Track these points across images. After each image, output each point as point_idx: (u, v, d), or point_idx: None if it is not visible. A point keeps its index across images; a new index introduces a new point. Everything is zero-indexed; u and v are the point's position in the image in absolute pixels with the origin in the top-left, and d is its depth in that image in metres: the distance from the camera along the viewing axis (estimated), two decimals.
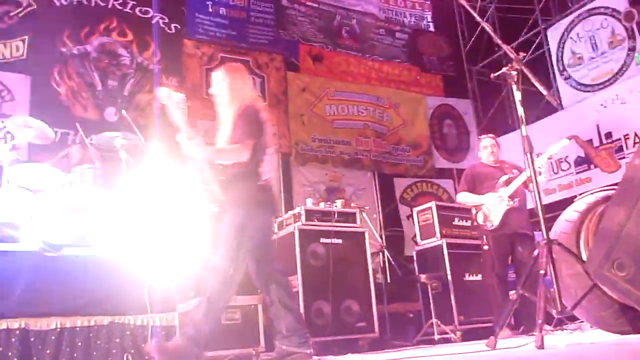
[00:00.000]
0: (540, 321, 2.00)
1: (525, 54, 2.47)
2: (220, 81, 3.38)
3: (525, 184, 4.80)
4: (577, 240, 2.33)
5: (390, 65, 9.94)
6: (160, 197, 5.38)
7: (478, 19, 2.90)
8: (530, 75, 2.51)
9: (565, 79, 8.93)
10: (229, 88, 3.33)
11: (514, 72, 2.53)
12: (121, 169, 5.45)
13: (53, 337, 4.14)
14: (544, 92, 2.47)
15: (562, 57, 9.02)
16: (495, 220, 4.83)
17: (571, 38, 8.89)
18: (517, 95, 2.53)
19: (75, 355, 4.16)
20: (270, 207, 3.30)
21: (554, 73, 9.12)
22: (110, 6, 7.70)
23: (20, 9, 7.10)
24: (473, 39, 10.39)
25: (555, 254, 2.18)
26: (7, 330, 4.02)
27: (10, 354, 3.99)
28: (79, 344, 4.25)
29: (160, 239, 5.29)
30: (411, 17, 10.47)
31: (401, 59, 10.11)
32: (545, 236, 2.12)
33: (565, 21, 9.00)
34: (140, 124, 6.54)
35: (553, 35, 9.21)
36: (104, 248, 4.82)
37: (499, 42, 2.73)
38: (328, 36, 9.45)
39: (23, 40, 7.00)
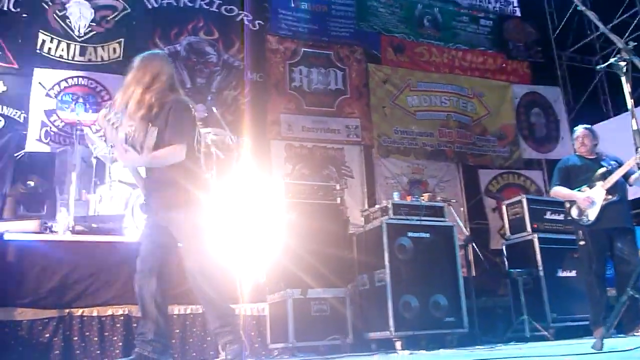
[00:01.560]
0: None
1: (635, 43, 2.30)
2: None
3: (625, 177, 4.54)
4: None
5: (474, 54, 9.67)
6: (248, 193, 5.56)
7: (580, 6, 2.74)
8: (639, 64, 2.36)
9: None
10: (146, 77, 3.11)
11: (623, 63, 2.39)
12: (212, 164, 5.67)
13: None
14: None
15: None
16: (591, 214, 4.60)
17: None
18: (627, 88, 2.39)
19: (173, 341, 4.40)
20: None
21: None
22: (197, 6, 7.99)
23: (116, 13, 7.53)
24: (563, 23, 9.89)
25: None
26: (112, 316, 4.32)
27: (115, 338, 4.28)
28: (177, 330, 4.49)
29: (249, 233, 5.48)
30: (496, 3, 10.11)
31: (486, 47, 9.80)
32: None
33: None
34: (227, 119, 6.75)
35: None
36: None
37: (606, 30, 2.57)
38: (409, 26, 9.33)
39: (119, 43, 7.42)
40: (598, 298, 4.54)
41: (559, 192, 4.86)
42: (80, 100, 7.05)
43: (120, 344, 4.24)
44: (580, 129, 5.04)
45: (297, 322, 4.33)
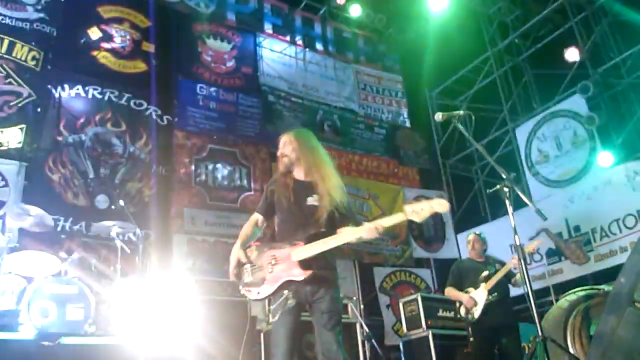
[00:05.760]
0: None
1: (515, 174, 2.81)
2: (288, 143, 3.32)
3: (507, 277, 5.10)
4: (564, 335, 2.60)
5: (369, 158, 10.44)
6: (153, 285, 5.49)
7: (472, 140, 3.27)
8: (520, 193, 2.87)
9: (534, 174, 9.52)
10: (306, 150, 3.27)
11: (506, 189, 2.88)
12: (116, 256, 5.58)
13: None
14: (534, 208, 2.81)
15: (530, 154, 9.66)
16: (476, 313, 5.07)
17: (537, 137, 9.57)
18: (510, 209, 2.87)
19: None
20: None
21: (523, 169, 9.71)
22: (106, 98, 8.06)
23: (20, 99, 7.40)
24: (446, 134, 11.04)
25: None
26: None
27: None
28: None
29: (153, 326, 5.35)
30: (388, 114, 11.13)
31: (380, 152, 10.65)
32: (539, 332, 2.39)
33: (532, 122, 9.73)
34: (130, 211, 6.67)
35: (521, 134, 9.90)
36: (99, 336, 4.86)
37: (493, 163, 3.10)
38: (311, 130, 9.93)
39: (21, 129, 7.25)
40: None
41: (450, 292, 5.35)
42: None
43: None
44: (471, 235, 5.64)
45: None
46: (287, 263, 2.95)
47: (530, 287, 2.74)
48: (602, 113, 8.48)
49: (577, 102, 8.92)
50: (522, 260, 2.88)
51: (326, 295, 2.97)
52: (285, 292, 2.93)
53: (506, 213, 9.41)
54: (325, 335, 2.91)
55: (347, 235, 2.92)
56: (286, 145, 3.27)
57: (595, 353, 1.81)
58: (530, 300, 2.63)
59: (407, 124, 11.26)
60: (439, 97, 11.56)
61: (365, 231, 2.85)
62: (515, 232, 2.90)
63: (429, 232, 10.50)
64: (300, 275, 2.90)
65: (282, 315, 2.94)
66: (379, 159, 10.56)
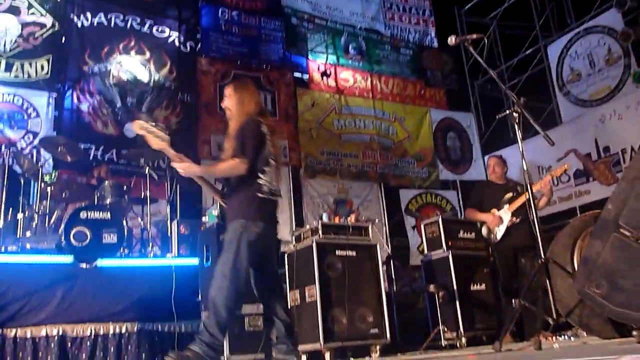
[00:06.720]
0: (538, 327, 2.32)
1: (525, 99, 2.76)
2: (229, 96, 3.46)
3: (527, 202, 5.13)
4: (572, 255, 2.67)
5: (395, 80, 10.29)
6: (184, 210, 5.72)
7: (484, 65, 3.22)
8: (529, 117, 2.84)
9: (565, 94, 9.27)
10: (235, 102, 3.40)
11: (516, 114, 2.86)
12: (146, 183, 5.78)
13: (88, 343, 4.47)
14: (541, 132, 2.80)
15: (561, 73, 9.36)
16: (499, 234, 5.16)
17: (570, 55, 9.23)
18: (519, 134, 2.86)
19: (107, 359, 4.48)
20: (268, 219, 3.28)
21: (553, 88, 9.45)
22: (128, 26, 8.06)
23: (44, 30, 7.46)
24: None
25: (553, 269, 2.51)
26: (46, 336, 4.34)
27: (49, 358, 4.31)
28: (111, 349, 4.57)
29: (183, 247, 5.63)
30: (415, 34, 10.83)
31: (406, 74, 10.46)
32: (542, 256, 2.46)
33: (564, 38, 9.36)
34: None
35: (552, 51, 9.55)
36: (134, 259, 5.15)
37: (503, 86, 3.06)
38: (336, 52, 9.81)
39: (48, 60, 7.35)
40: (504, 309, 5.07)
41: (471, 213, 5.41)
42: (6, 117, 6.93)
43: None
44: (491, 158, 5.62)
45: (232, 337, 4.53)
46: None
47: (536, 213, 2.78)
48: (638, 29, 8.08)
49: (612, 18, 8.51)
50: (529, 186, 2.90)
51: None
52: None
53: (536, 134, 9.29)
54: None
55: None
56: (226, 98, 3.46)
57: (582, 276, 1.88)
58: (535, 225, 2.68)
59: (435, 44, 10.95)
60: (467, 14, 11.12)
61: None
62: (523, 157, 2.91)
63: (456, 154, 10.47)
64: None
65: None
66: (405, 80, 10.39)
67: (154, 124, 3.14)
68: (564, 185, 8.89)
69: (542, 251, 2.50)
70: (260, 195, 3.20)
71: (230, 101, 3.44)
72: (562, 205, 8.81)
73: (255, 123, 3.29)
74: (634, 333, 1.83)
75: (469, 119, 10.79)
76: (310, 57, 9.51)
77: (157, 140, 3.11)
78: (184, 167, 3.14)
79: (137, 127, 3.12)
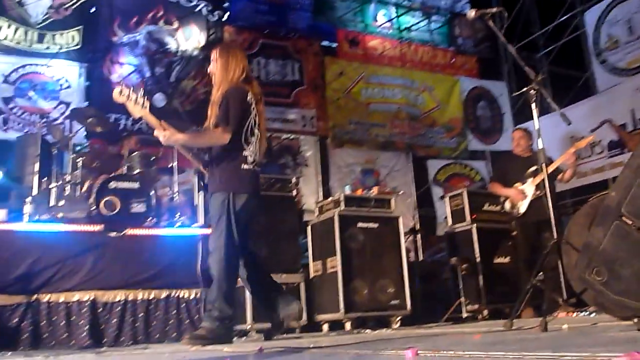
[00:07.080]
0: (545, 307, 2.32)
1: (543, 75, 2.71)
2: (214, 60, 3.32)
3: (555, 173, 5.06)
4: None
5: (425, 48, 10.11)
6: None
7: (502, 38, 3.15)
8: (545, 94, 2.79)
9: (601, 62, 8.96)
10: (220, 67, 3.27)
11: (533, 92, 2.81)
12: (174, 153, 5.89)
13: (118, 309, 4.66)
14: (557, 110, 2.74)
15: (598, 40, 9.04)
16: (522, 207, 5.11)
17: (608, 21, 8.89)
18: (535, 112, 2.81)
19: (137, 325, 4.66)
20: (252, 190, 3.23)
21: (589, 56, 9.15)
22: None
23: (74, 1, 7.56)
24: (509, 20, 10.41)
25: (567, 248, 2.50)
26: (78, 302, 4.54)
27: (81, 322, 4.51)
28: (140, 314, 4.75)
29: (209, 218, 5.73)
30: (447, 0, 10.56)
31: (436, 42, 10.26)
32: (555, 236, 2.47)
33: (603, 4, 9.00)
34: (186, 109, 6.94)
35: (590, 17, 9.21)
36: (161, 229, 5.30)
37: (522, 63, 2.99)
38: (365, 20, 9.67)
39: (78, 30, 7.47)
40: (524, 284, 5.05)
41: (494, 187, 5.37)
42: (39, 87, 7.10)
43: (87, 327, 4.46)
44: (516, 131, 5.53)
45: (254, 305, 4.66)
46: None
47: (552, 189, 2.75)
48: None
49: None
50: (544, 163, 2.87)
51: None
52: None
53: (570, 103, 9.04)
54: None
55: None
56: (211, 62, 3.35)
57: (582, 262, 1.88)
58: (549, 203, 2.66)
59: (467, 10, 10.64)
60: None
61: None
62: (540, 135, 2.86)
63: (486, 123, 10.30)
64: None
65: None
66: (435, 49, 10.20)
67: (132, 90, 3.09)
68: (598, 157, 8.68)
69: (555, 230, 2.50)
70: (245, 166, 3.16)
71: (214, 66, 3.32)
72: (594, 177, 8.62)
73: (240, 92, 3.18)
74: (635, 320, 1.83)
75: (501, 87, 10.56)
76: (338, 25, 9.40)
77: (137, 107, 3.07)
78: (165, 135, 3.06)
79: (116, 95, 3.08)
